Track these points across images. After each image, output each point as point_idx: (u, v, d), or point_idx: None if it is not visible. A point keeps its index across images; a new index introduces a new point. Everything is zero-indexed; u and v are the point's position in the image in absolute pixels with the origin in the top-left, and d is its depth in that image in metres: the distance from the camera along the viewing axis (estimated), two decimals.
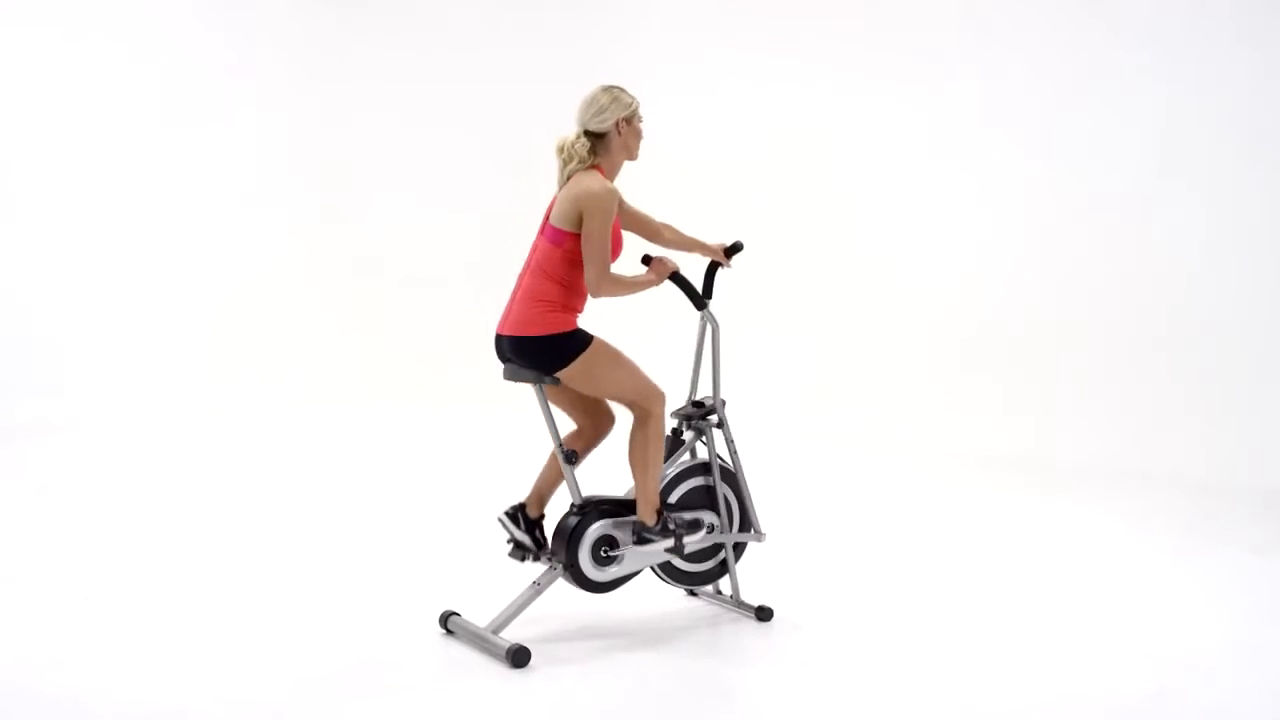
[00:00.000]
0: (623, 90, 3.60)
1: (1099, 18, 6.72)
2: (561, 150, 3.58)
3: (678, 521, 3.64)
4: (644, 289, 3.64)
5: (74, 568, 4.33)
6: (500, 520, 3.67)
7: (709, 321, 3.89)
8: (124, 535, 4.83)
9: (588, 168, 3.55)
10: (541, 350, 3.47)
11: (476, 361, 6.82)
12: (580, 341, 3.48)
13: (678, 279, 3.77)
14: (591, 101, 3.57)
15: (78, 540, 4.74)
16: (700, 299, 3.86)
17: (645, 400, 3.57)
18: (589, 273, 3.45)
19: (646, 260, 3.77)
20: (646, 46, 8.57)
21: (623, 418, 3.76)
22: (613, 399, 3.62)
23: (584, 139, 3.56)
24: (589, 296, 3.55)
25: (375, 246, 9.39)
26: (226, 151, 8.68)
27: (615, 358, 3.54)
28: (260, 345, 8.69)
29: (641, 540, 3.58)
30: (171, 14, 8.42)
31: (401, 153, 9.48)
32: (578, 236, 3.47)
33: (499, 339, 3.59)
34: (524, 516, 3.68)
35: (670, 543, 3.59)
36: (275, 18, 8.98)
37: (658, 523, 3.59)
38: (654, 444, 3.57)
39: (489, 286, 7.03)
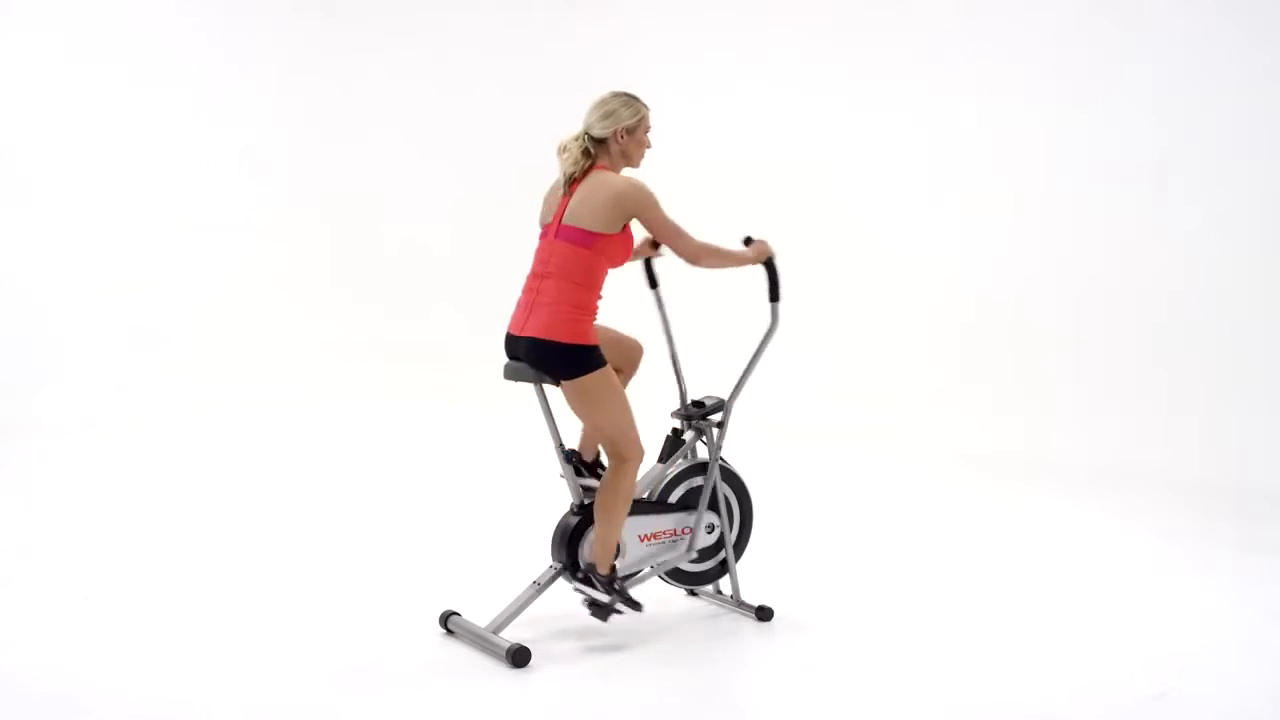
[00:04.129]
0: (634, 99, 3.58)
1: (1100, 19, 6.73)
2: (562, 151, 3.57)
3: (623, 588, 3.57)
4: (740, 264, 3.70)
5: (73, 568, 4.33)
6: (562, 476, 3.67)
7: (773, 317, 3.88)
8: (123, 535, 4.83)
9: (595, 167, 3.55)
10: (559, 356, 3.43)
11: (477, 361, 6.83)
12: (596, 359, 3.45)
13: (770, 265, 3.81)
14: (600, 104, 3.56)
15: (77, 540, 4.74)
16: (778, 291, 3.87)
17: (626, 448, 3.51)
18: (686, 249, 3.52)
19: (748, 241, 3.80)
20: (649, 48, 8.58)
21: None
22: (597, 429, 3.57)
23: (583, 140, 3.55)
24: (692, 265, 3.58)
25: (375, 245, 9.38)
26: (225, 149, 8.67)
27: (619, 391, 3.52)
28: (260, 344, 8.68)
29: (586, 581, 3.56)
30: (172, 16, 8.42)
31: (402, 151, 9.47)
32: (609, 237, 3.46)
33: (514, 339, 3.54)
34: (583, 464, 3.71)
35: (605, 600, 3.51)
36: (277, 17, 8.97)
37: (608, 576, 3.55)
38: (623, 497, 3.52)
39: (490, 286, 7.04)
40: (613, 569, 3.57)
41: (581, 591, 3.56)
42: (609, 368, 3.49)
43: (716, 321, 6.94)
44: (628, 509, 3.56)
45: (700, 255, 3.56)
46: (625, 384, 3.71)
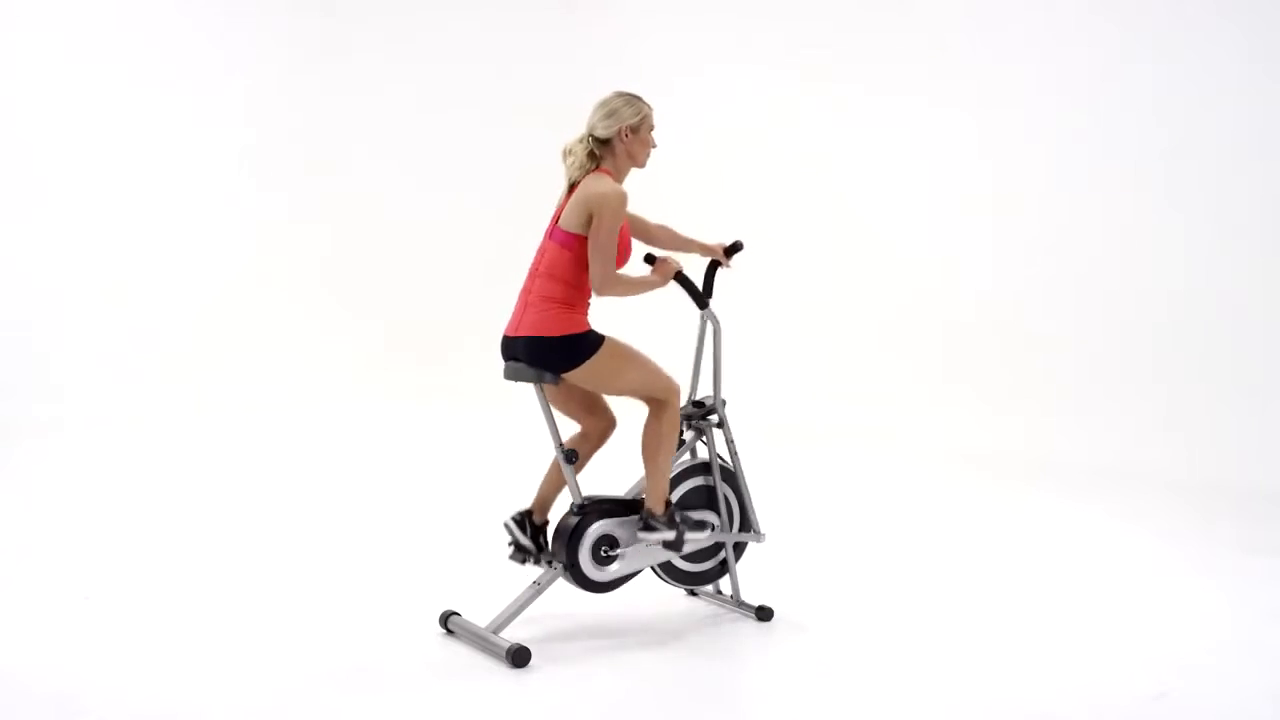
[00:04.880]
0: (637, 98, 3.59)
1: (1100, 20, 6.72)
2: (566, 154, 3.58)
3: (684, 517, 3.64)
4: (648, 290, 3.64)
5: (73, 568, 4.33)
6: (506, 525, 3.67)
7: (711, 321, 3.89)
8: (123, 535, 4.83)
9: (596, 170, 3.55)
10: (555, 351, 3.46)
11: (477, 361, 6.83)
12: (593, 342, 3.48)
13: (681, 279, 3.77)
14: (603, 105, 3.57)
15: (77, 540, 4.74)
16: (703, 298, 3.87)
17: (662, 394, 3.58)
18: (594, 271, 3.45)
19: (650, 260, 3.78)
20: (653, 46, 8.58)
21: (632, 414, 3.76)
22: (627, 396, 3.61)
23: (587, 142, 3.56)
24: (596, 292, 3.52)
25: (375, 245, 9.38)
26: (224, 146, 8.68)
27: (628, 355, 3.54)
28: (260, 345, 8.69)
29: (647, 527, 3.57)
30: (172, 16, 8.42)
31: (402, 151, 9.47)
32: (586, 239, 3.47)
33: (509, 341, 3.57)
34: (530, 522, 3.68)
35: (672, 536, 3.58)
36: (277, 17, 8.97)
37: (666, 513, 3.59)
38: (668, 436, 3.58)
39: (490, 286, 7.04)
40: (668, 504, 3.61)
41: (646, 539, 3.59)
42: (609, 340, 3.51)
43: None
44: (675, 445, 3.61)
45: (608, 285, 3.46)
46: (588, 458, 3.71)
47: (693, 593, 4.08)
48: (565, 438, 3.68)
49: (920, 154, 7.43)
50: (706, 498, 3.85)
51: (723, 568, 3.90)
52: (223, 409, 8.02)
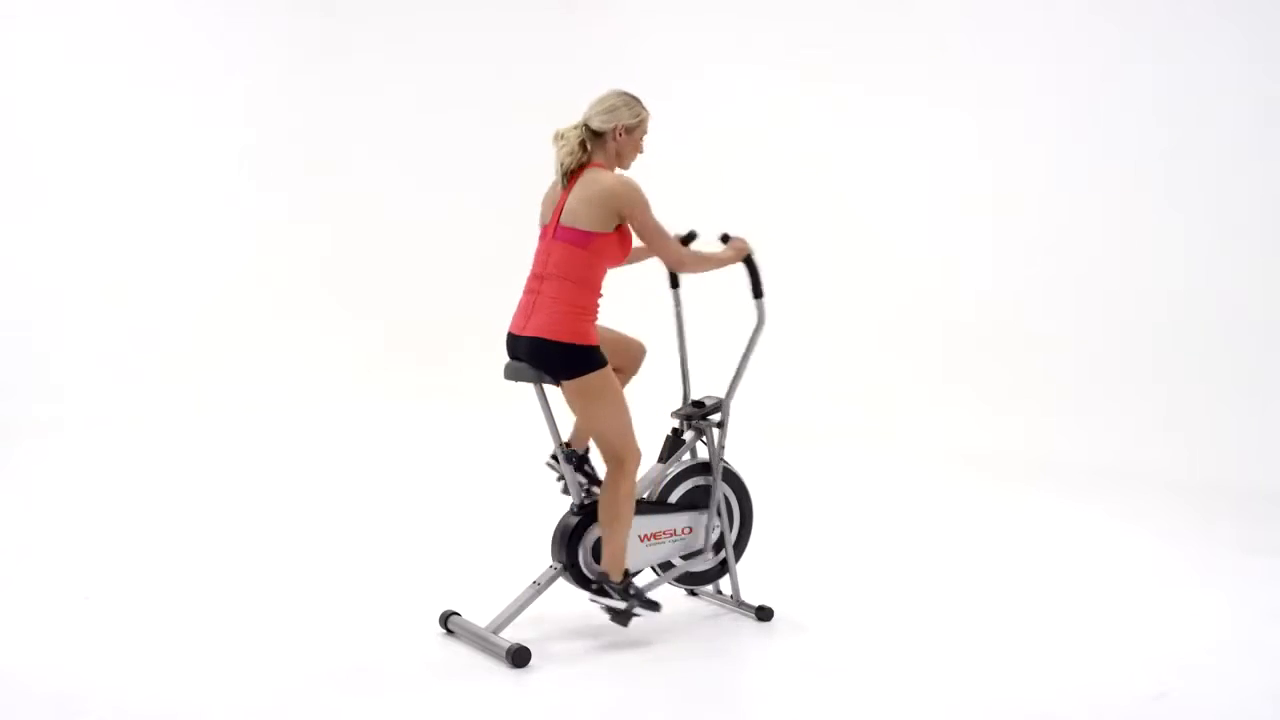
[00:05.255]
0: (636, 100, 3.59)
1: (1100, 20, 6.72)
2: (558, 138, 3.58)
3: (638, 592, 3.60)
4: (723, 265, 3.75)
5: (73, 568, 4.33)
6: (548, 464, 3.72)
7: (758, 313, 3.89)
8: (123, 535, 4.83)
9: (590, 164, 3.55)
10: (559, 356, 3.44)
11: (477, 361, 6.83)
12: (596, 360, 3.46)
13: (749, 261, 3.83)
14: (603, 100, 3.57)
15: (77, 540, 4.74)
16: (760, 287, 3.88)
17: (624, 451, 3.52)
18: (670, 256, 3.57)
19: (725, 239, 3.82)
20: (653, 47, 8.58)
21: (655, 345, 3.76)
22: (595, 432, 3.55)
23: (581, 131, 3.55)
24: (678, 273, 3.71)
25: (374, 245, 9.37)
26: (224, 146, 8.66)
27: (619, 394, 3.52)
28: (259, 344, 8.68)
29: (601, 591, 3.57)
30: (172, 16, 8.41)
31: (402, 151, 9.47)
32: (604, 236, 3.46)
33: (515, 339, 3.55)
34: (577, 456, 3.70)
35: (622, 606, 3.55)
36: (277, 17, 8.96)
37: (623, 582, 3.57)
38: (625, 502, 3.52)
39: (490, 286, 7.04)
40: (626, 574, 3.58)
41: (598, 602, 3.57)
42: (609, 368, 3.49)
43: (710, 321, 6.94)
44: (632, 512, 3.56)
45: (685, 261, 3.62)
46: (625, 384, 3.71)
47: (693, 593, 4.08)
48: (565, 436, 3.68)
49: (920, 154, 7.43)
50: (706, 498, 3.85)
51: (723, 568, 3.90)
52: (223, 409, 8.01)
